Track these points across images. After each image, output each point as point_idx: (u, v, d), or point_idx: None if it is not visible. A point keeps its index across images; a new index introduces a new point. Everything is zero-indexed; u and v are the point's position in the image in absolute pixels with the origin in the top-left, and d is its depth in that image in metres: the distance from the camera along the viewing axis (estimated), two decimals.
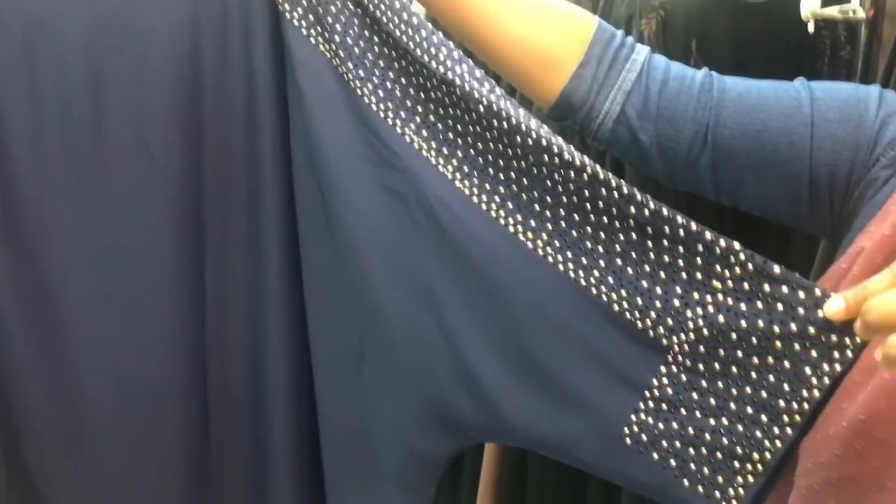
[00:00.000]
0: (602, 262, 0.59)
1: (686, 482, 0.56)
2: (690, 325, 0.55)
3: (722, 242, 0.53)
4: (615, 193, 0.57)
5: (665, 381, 0.57)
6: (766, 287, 0.52)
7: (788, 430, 0.52)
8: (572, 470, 0.64)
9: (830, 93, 0.64)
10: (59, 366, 0.72)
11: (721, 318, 0.54)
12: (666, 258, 0.56)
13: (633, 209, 0.56)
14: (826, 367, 0.50)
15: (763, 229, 0.88)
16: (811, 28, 0.90)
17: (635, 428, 0.58)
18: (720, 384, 0.55)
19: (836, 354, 0.49)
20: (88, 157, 0.69)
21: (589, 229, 0.59)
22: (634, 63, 0.68)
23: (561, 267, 0.60)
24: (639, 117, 0.67)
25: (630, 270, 0.58)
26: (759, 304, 0.52)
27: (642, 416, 0.58)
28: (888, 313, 0.41)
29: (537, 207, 0.62)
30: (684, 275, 0.56)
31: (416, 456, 0.69)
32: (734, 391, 0.54)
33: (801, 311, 0.50)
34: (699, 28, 0.99)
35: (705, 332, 0.55)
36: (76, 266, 0.71)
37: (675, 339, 0.56)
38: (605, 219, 0.59)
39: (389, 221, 0.67)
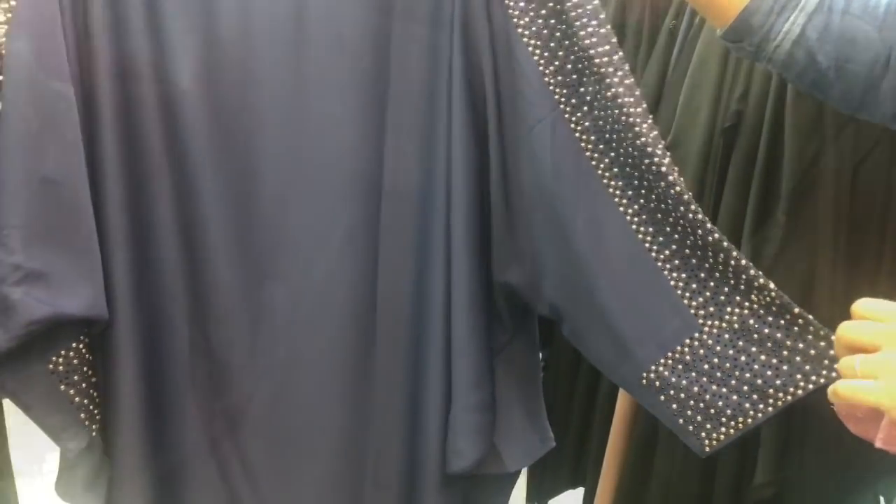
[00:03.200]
0: (674, 246, 0.72)
1: (681, 420, 0.74)
2: (727, 317, 0.72)
3: (761, 279, 0.71)
4: (690, 215, 0.70)
5: (687, 349, 0.73)
6: (788, 316, 0.71)
7: (770, 409, 0.71)
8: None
9: None
10: (252, 247, 0.79)
11: (752, 321, 0.72)
12: (721, 267, 0.72)
13: (700, 231, 0.71)
14: (814, 378, 0.70)
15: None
16: None
17: (652, 375, 0.72)
18: (728, 365, 0.72)
19: (825, 372, 0.69)
20: (291, 48, 0.76)
21: (670, 219, 0.73)
22: None
23: (640, 236, 0.73)
24: (819, 38, 0.66)
25: (694, 261, 0.73)
26: (781, 322, 0.71)
27: (660, 369, 0.72)
28: (846, 336, 0.50)
29: (635, 182, 0.72)
30: (732, 282, 0.72)
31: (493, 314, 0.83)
32: (737, 373, 0.72)
33: (809, 337, 0.70)
34: None
35: (736, 325, 0.72)
36: (274, 145, 0.78)
37: (710, 322, 0.72)
38: (682, 221, 0.71)
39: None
